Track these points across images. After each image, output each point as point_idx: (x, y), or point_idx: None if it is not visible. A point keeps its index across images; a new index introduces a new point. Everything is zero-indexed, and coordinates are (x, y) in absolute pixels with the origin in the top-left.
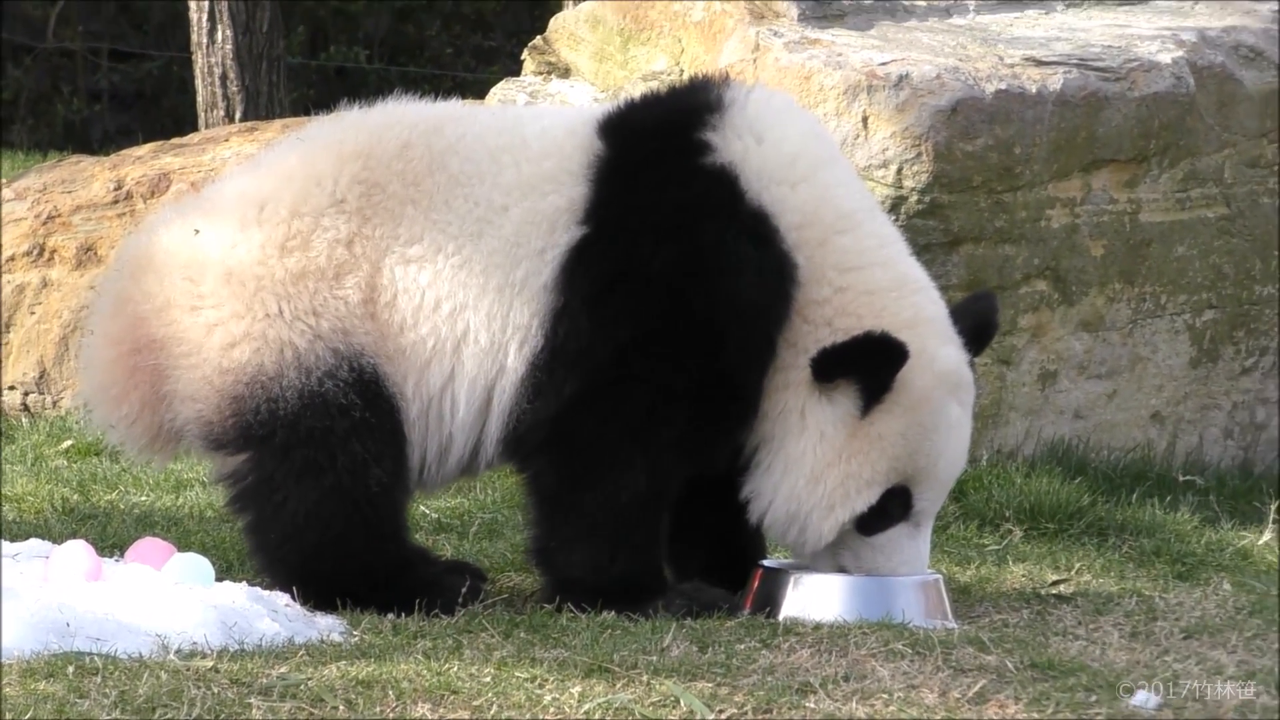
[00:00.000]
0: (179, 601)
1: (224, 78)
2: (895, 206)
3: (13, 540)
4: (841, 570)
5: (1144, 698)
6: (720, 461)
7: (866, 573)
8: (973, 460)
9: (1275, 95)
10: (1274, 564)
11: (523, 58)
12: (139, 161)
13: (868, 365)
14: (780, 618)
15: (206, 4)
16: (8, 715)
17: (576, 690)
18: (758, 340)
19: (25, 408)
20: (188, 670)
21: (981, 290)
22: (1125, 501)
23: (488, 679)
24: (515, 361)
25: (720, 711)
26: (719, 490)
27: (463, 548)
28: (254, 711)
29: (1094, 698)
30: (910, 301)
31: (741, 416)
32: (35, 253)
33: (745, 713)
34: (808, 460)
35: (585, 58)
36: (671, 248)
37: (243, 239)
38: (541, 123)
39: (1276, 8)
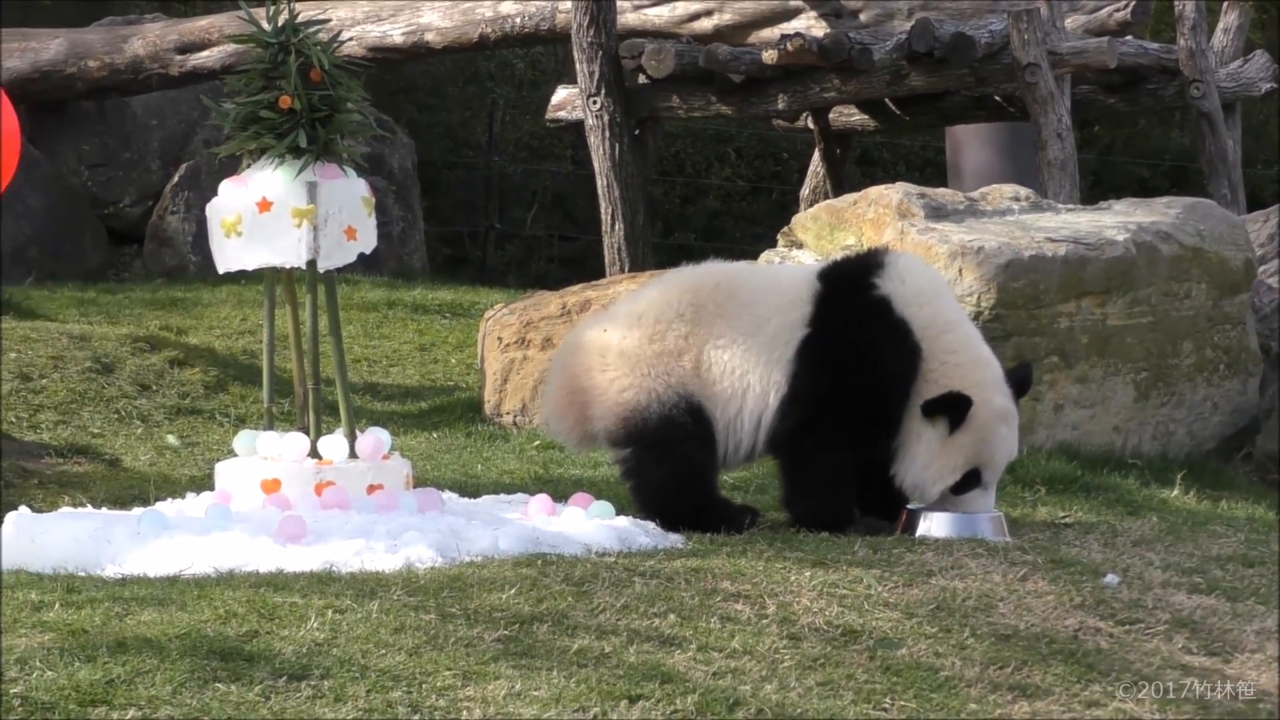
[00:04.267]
0: (596, 527)
1: (619, 250)
2: (976, 317)
3: (508, 494)
4: (948, 511)
5: (1111, 578)
6: (880, 453)
7: (960, 512)
8: (1018, 451)
9: (1179, 258)
10: (1181, 508)
11: (777, 237)
12: (573, 293)
13: (950, 410)
14: (916, 536)
15: (609, 208)
16: (503, 586)
17: (808, 574)
18: (898, 393)
19: (515, 424)
20: (600, 561)
21: (1023, 362)
22: (1100, 474)
23: (760, 567)
24: (773, 401)
25: (885, 585)
26: (882, 468)
27: (747, 497)
28: (637, 585)
29: (1084, 577)
30: (979, 371)
31: (890, 432)
32: (519, 342)
33: (898, 585)
34: (921, 457)
35: (811, 237)
36: (854, 341)
37: (629, 334)
38: (788, 272)
39: (1179, 211)
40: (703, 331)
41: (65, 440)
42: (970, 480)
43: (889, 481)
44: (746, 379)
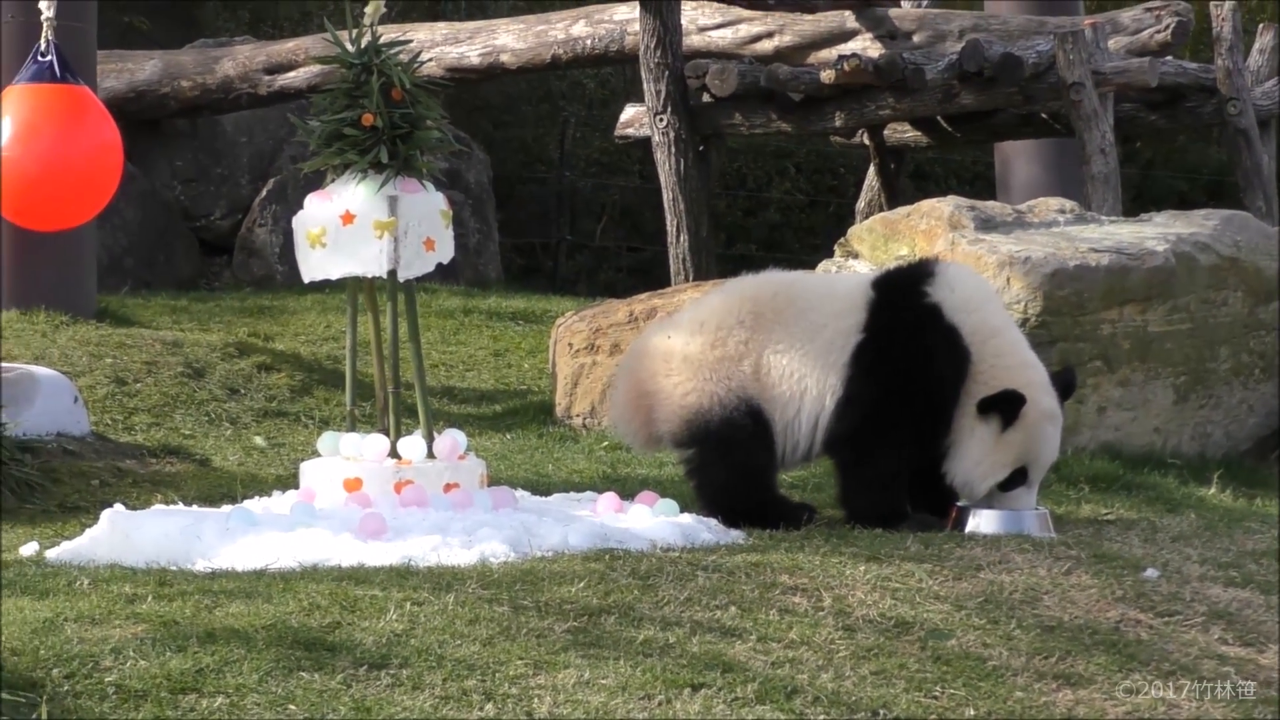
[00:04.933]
0: (661, 523)
1: (684, 260)
2: (1023, 324)
3: (578, 492)
4: (995, 508)
5: (1151, 572)
6: (932, 453)
7: (1007, 509)
8: (1063, 451)
9: (1216, 268)
10: (1217, 506)
11: (835, 248)
12: (640, 301)
13: (1003, 407)
14: (965, 531)
15: (674, 220)
16: (573, 579)
17: (862, 568)
18: (949, 393)
19: (584, 426)
20: (665, 556)
21: (1067, 366)
22: (1141, 473)
23: (817, 561)
24: (829, 403)
25: (936, 579)
26: (933, 466)
27: (804, 495)
28: (700, 579)
29: (1125, 571)
30: (1027, 373)
31: (942, 431)
32: (588, 348)
33: (948, 579)
34: (973, 454)
35: (866, 248)
36: (906, 346)
37: (692, 340)
38: (844, 280)
39: (1216, 223)
40: (762, 337)
41: (158, 441)
42: (1017, 478)
43: (940, 479)
44: (804, 382)
